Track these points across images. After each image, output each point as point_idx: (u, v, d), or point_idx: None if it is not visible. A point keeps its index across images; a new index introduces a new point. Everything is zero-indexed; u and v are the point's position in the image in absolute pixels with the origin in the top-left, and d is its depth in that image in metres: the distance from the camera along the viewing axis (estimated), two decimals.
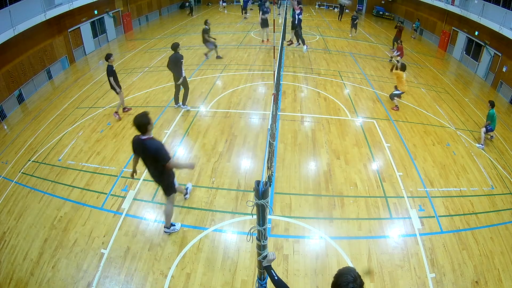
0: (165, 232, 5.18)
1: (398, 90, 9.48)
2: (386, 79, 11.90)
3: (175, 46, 8.10)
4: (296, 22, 12.34)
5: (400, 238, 5.25)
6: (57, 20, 12.08)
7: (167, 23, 21.23)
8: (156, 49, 14.98)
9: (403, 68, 9.34)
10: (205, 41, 12.43)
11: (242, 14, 22.25)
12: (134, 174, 4.88)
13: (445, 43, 17.21)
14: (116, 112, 8.59)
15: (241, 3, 22.44)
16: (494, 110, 8.04)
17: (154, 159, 4.37)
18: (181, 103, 8.91)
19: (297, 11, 12.17)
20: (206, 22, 12.22)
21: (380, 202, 5.96)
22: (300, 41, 12.88)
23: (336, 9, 25.68)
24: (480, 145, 8.07)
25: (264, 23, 14.53)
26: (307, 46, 12.99)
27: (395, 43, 15.15)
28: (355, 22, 17.68)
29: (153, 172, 4.62)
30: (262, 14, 14.24)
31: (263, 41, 15.51)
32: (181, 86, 8.53)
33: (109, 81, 8.16)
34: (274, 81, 6.00)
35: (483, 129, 8.09)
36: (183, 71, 8.23)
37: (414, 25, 20.10)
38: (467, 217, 5.77)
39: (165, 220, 5.13)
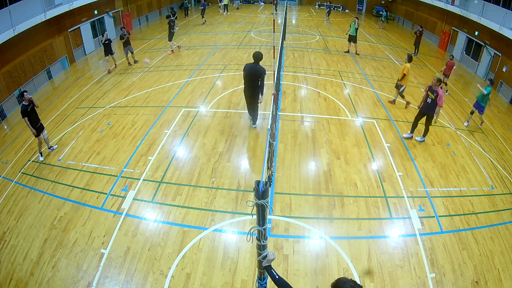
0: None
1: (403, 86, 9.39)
2: (386, 79, 11.90)
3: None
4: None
5: (400, 238, 5.25)
6: (57, 20, 12.07)
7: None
8: (156, 49, 14.98)
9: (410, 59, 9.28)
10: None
11: (202, 18, 21.38)
12: None
13: (445, 43, 17.21)
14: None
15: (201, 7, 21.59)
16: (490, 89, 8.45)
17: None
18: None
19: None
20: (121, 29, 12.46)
21: (380, 202, 5.96)
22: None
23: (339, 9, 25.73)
24: (479, 126, 8.76)
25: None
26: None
27: (416, 47, 15.54)
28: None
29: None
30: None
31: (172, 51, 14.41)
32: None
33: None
34: (274, 81, 6.02)
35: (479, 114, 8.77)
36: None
37: (381, 14, 20.79)
38: (467, 217, 5.77)
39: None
